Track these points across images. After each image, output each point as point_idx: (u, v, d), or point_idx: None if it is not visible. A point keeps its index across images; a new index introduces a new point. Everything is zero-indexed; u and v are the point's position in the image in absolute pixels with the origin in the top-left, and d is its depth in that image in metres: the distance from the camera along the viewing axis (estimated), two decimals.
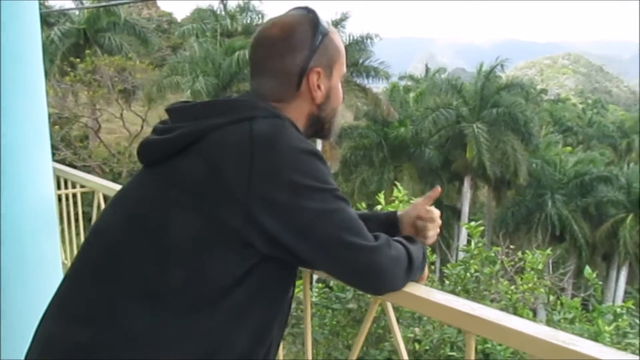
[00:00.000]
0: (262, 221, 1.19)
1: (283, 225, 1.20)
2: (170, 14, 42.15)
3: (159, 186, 1.30)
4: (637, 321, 5.55)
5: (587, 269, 5.44)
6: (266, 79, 1.40)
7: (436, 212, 1.55)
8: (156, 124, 1.40)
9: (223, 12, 31.14)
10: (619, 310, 4.96)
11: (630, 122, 52.60)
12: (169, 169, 1.29)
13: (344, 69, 1.47)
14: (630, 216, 26.43)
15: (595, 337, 4.37)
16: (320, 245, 1.23)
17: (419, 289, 1.33)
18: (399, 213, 1.60)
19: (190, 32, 29.08)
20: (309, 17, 1.41)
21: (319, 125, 1.46)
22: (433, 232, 1.53)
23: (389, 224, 1.55)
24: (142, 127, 24.24)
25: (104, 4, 24.00)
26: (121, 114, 23.80)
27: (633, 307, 5.43)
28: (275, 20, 1.44)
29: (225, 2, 31.57)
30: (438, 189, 1.62)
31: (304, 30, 1.39)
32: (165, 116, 1.41)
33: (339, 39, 1.45)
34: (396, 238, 1.36)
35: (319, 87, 1.41)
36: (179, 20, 41.34)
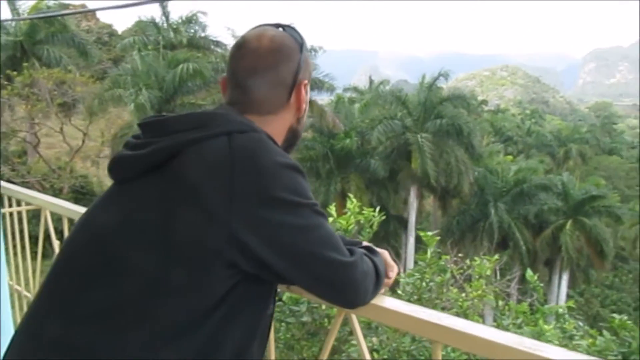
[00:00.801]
0: (245, 239, 1.15)
1: (265, 243, 1.17)
2: (110, 26, 41.40)
3: (134, 206, 1.24)
4: (581, 324, 5.71)
5: (529, 272, 5.58)
6: (254, 91, 1.38)
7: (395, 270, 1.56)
8: (128, 139, 1.35)
9: (165, 25, 30.78)
10: (560, 310, 5.10)
11: (566, 131, 54.68)
12: (144, 186, 1.24)
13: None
14: (569, 222, 27.38)
15: (538, 337, 4.46)
16: (301, 261, 1.21)
17: (384, 301, 1.35)
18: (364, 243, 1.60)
19: (132, 45, 28.62)
20: (290, 31, 1.43)
21: (294, 139, 1.47)
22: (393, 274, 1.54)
23: None
24: (83, 141, 23.66)
25: (41, 15, 23.33)
26: (61, 128, 23.16)
27: (574, 306, 5.59)
28: (258, 33, 1.42)
29: (167, 14, 31.21)
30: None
31: (291, 43, 1.41)
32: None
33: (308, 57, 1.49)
34: (362, 251, 1.36)
35: (303, 99, 1.44)
36: (119, 32, 40.61)
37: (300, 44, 1.42)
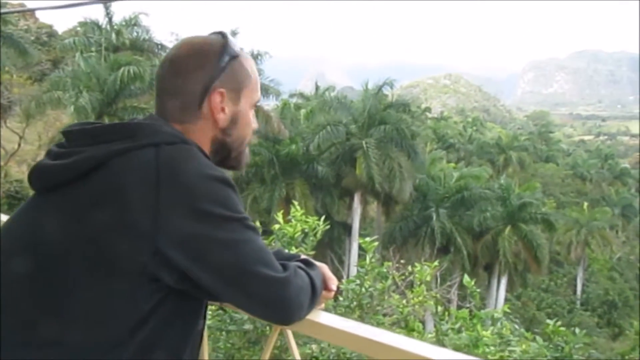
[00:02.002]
0: (171, 255, 1.13)
1: (192, 258, 1.15)
2: (50, 26, 40.04)
3: (56, 218, 1.21)
4: (517, 327, 5.87)
5: (466, 278, 5.70)
6: (170, 98, 1.34)
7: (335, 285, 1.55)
8: (51, 147, 1.30)
9: (108, 26, 30.10)
10: (496, 315, 5.24)
11: (506, 138, 56.20)
12: (67, 197, 1.20)
13: (256, 97, 1.43)
14: (508, 228, 28.15)
15: (476, 341, 4.57)
16: (230, 277, 1.18)
17: (319, 316, 1.33)
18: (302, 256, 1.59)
19: (73, 46, 27.85)
20: (219, 38, 1.38)
21: (225, 153, 1.39)
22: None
23: None
24: (19, 144, 22.88)
25: None
26: None
27: (509, 311, 5.74)
28: (185, 40, 1.41)
29: (111, 15, 30.54)
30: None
31: (212, 50, 1.36)
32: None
33: (253, 66, 1.42)
34: (297, 264, 1.33)
35: (222, 109, 1.35)
36: (60, 32, 39.42)
37: (223, 50, 1.35)
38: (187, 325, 1.27)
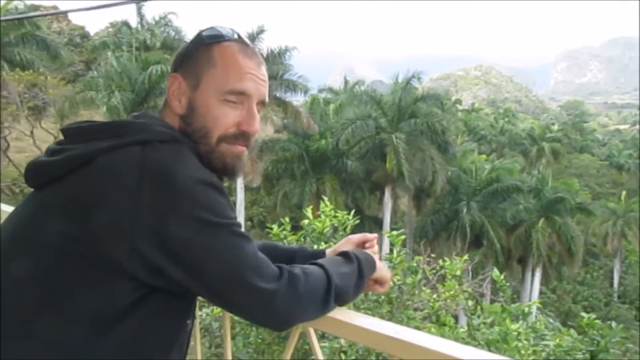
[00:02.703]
0: (149, 255, 1.11)
1: (172, 260, 1.13)
2: (82, 28, 40.80)
3: (41, 211, 1.22)
4: (552, 320, 5.77)
5: (496, 271, 5.58)
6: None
7: (371, 236, 1.53)
8: (50, 145, 1.32)
9: (139, 27, 30.47)
10: (527, 309, 5.14)
11: (539, 129, 55.32)
12: (54, 192, 1.21)
13: (224, 85, 1.31)
14: (542, 220, 27.73)
15: (505, 336, 4.50)
16: (213, 283, 1.16)
17: (342, 313, 1.30)
18: (327, 250, 1.56)
19: (104, 46, 28.29)
20: (200, 31, 1.37)
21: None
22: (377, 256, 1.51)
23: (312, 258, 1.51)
24: None
25: (9, 17, 22.92)
26: (31, 132, 22.81)
27: (544, 304, 5.64)
28: None
29: (142, 15, 30.92)
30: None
31: (190, 41, 1.38)
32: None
33: (230, 52, 1.33)
34: (320, 262, 1.30)
35: (177, 95, 1.33)
36: (92, 34, 40.07)
37: (195, 38, 1.36)
38: (172, 325, 1.26)
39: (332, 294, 1.26)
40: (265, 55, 24.86)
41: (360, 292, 1.37)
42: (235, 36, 1.36)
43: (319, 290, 1.24)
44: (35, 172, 1.28)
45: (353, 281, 1.32)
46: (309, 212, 5.09)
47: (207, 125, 1.30)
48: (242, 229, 1.21)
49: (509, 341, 4.22)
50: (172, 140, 1.22)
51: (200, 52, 1.33)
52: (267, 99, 1.40)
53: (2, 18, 24.12)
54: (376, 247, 1.53)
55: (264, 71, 1.38)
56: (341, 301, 1.30)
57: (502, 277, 5.27)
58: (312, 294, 1.23)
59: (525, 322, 4.72)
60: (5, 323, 1.14)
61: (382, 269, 1.46)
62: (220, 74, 1.31)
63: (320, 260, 1.31)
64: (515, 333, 4.30)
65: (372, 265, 1.41)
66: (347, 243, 1.53)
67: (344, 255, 1.37)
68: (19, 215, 1.28)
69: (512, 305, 4.87)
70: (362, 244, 1.53)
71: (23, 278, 1.16)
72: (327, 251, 1.57)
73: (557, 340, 4.50)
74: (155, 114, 1.36)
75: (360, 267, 1.35)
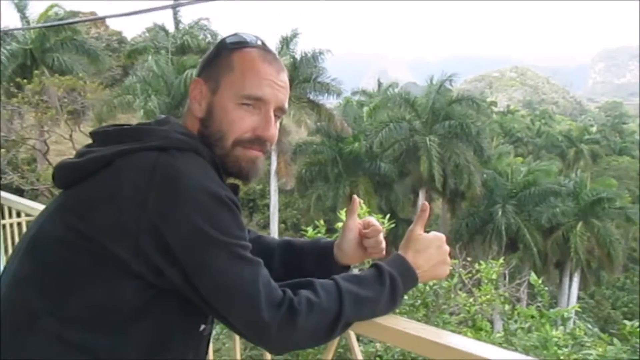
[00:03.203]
0: (151, 255, 1.14)
1: (170, 262, 1.14)
2: (120, 33, 41.54)
3: (60, 210, 1.27)
4: (590, 326, 5.64)
5: (533, 276, 5.50)
6: None
7: (372, 221, 1.49)
8: (80, 148, 1.35)
9: (175, 31, 30.91)
10: (566, 314, 5.03)
11: (576, 131, 54.28)
12: (75, 192, 1.26)
13: (241, 90, 1.32)
14: (580, 224, 27.16)
15: (545, 342, 4.41)
16: (207, 297, 1.16)
17: (382, 317, 1.28)
18: (336, 242, 1.52)
19: (142, 51, 28.78)
20: (224, 38, 1.42)
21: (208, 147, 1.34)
22: (384, 243, 1.47)
23: (325, 256, 1.51)
24: None
25: (49, 23, 23.48)
26: (70, 135, 23.26)
27: (582, 310, 5.51)
28: None
29: (178, 19, 31.36)
30: (355, 199, 1.53)
31: (216, 47, 1.41)
32: None
33: (250, 58, 1.35)
34: (342, 283, 1.24)
35: (198, 99, 1.36)
36: (129, 39, 40.77)
37: (219, 44, 1.40)
38: (187, 328, 1.27)
39: (339, 326, 1.22)
40: (298, 58, 24.95)
41: (388, 313, 1.31)
42: (259, 43, 1.39)
43: (321, 325, 1.20)
44: (62, 173, 1.32)
45: (376, 307, 1.27)
46: (342, 214, 5.08)
47: (223, 129, 1.32)
48: (246, 251, 1.18)
49: (549, 347, 4.14)
50: (190, 150, 1.24)
51: (222, 58, 1.36)
52: (286, 106, 1.41)
53: (43, 24, 24.72)
54: (380, 237, 1.47)
55: (283, 78, 1.39)
56: (350, 325, 1.27)
57: (539, 281, 5.18)
58: (314, 327, 1.19)
59: (565, 327, 4.63)
60: (17, 318, 1.18)
61: (434, 278, 1.42)
62: (238, 78, 1.33)
63: (342, 281, 1.25)
64: (555, 339, 4.22)
65: (412, 279, 1.34)
66: (350, 232, 1.48)
67: (376, 274, 1.29)
68: (44, 214, 1.32)
69: (551, 310, 4.78)
70: (363, 232, 1.49)
71: (37, 274, 1.20)
72: (336, 242, 1.52)
73: (600, 349, 4.39)
74: (177, 120, 1.38)
75: (393, 289, 1.29)
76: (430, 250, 1.36)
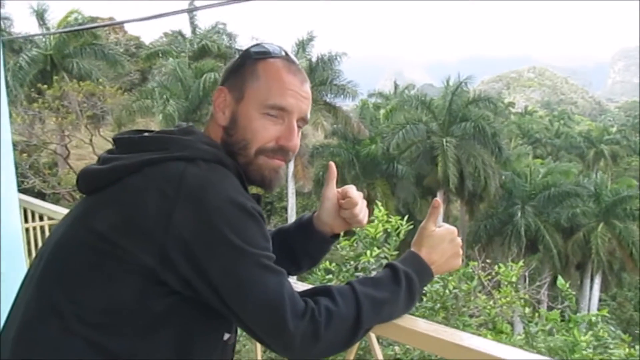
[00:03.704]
0: (178, 265, 1.14)
1: (198, 274, 1.15)
2: (138, 38, 41.86)
3: (85, 215, 1.28)
4: (613, 329, 5.58)
5: (560, 280, 5.45)
6: None
7: (350, 191, 1.50)
8: (102, 153, 1.36)
9: (191, 35, 31.11)
10: (594, 319, 4.98)
11: (596, 132, 53.69)
12: (100, 198, 1.26)
13: (265, 99, 1.34)
14: (601, 225, 26.86)
15: (573, 347, 4.37)
16: (234, 308, 1.17)
17: (403, 319, 1.28)
18: (315, 214, 1.57)
19: (158, 55, 29.01)
20: (248, 47, 1.42)
21: (232, 157, 1.35)
22: (363, 214, 1.49)
23: (304, 226, 1.56)
24: None
25: (68, 29, 23.75)
26: (90, 140, 23.54)
27: (607, 315, 5.45)
28: None
29: (195, 24, 31.56)
30: (331, 165, 1.57)
31: (237, 56, 1.43)
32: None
33: (275, 70, 1.37)
34: (358, 288, 1.24)
35: (222, 107, 1.38)
36: (147, 44, 41.09)
37: (243, 54, 1.41)
38: (211, 335, 1.28)
39: (360, 332, 1.23)
40: (314, 61, 24.99)
41: (407, 312, 1.32)
42: (283, 53, 1.40)
43: (342, 334, 1.21)
44: (86, 179, 1.33)
45: (394, 307, 1.28)
46: None
47: (247, 137, 1.34)
48: (271, 262, 1.19)
49: (577, 351, 4.11)
50: (215, 161, 1.25)
51: (247, 67, 1.37)
52: (308, 116, 1.42)
53: (62, 30, 25.01)
54: (355, 209, 1.49)
55: (307, 88, 1.40)
56: (367, 326, 1.26)
57: (567, 285, 5.14)
58: (334, 336, 1.20)
59: (592, 331, 4.59)
60: (47, 323, 1.19)
61: (448, 270, 1.43)
62: (263, 88, 1.34)
63: (358, 285, 1.25)
64: (584, 344, 4.19)
65: (428, 275, 1.35)
66: (328, 202, 1.53)
67: (392, 275, 1.30)
68: (69, 218, 1.33)
69: (579, 315, 4.74)
70: (340, 201, 1.52)
71: (64, 279, 1.21)
72: (315, 214, 1.57)
73: (627, 350, 4.35)
74: (200, 130, 1.39)
75: (409, 288, 1.29)
76: (443, 245, 1.38)
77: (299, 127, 1.39)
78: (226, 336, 1.32)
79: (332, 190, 1.53)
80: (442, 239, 1.38)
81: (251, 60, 1.38)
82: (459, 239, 1.41)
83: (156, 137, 1.32)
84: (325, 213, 1.53)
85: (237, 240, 1.15)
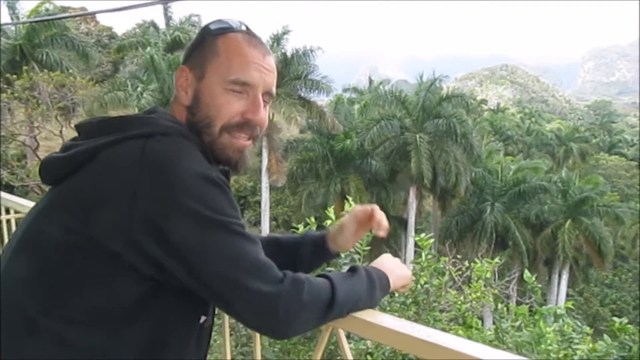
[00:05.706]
0: (145, 246, 1.11)
1: (169, 253, 1.12)
2: (110, 29, 41.27)
3: (49, 207, 1.24)
4: (579, 324, 5.68)
5: (527, 273, 5.51)
6: None
7: (383, 221, 1.55)
8: (66, 141, 1.32)
9: (165, 27, 30.80)
10: (559, 311, 5.06)
11: (566, 130, 54.53)
12: (62, 188, 1.23)
13: (227, 74, 1.30)
14: (569, 221, 27.33)
15: (538, 339, 4.43)
16: (210, 282, 1.13)
17: (371, 315, 1.29)
18: (330, 233, 1.60)
19: (130, 46, 28.65)
20: (208, 24, 1.39)
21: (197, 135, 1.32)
22: (385, 222, 1.55)
23: (319, 246, 1.58)
24: None
25: (39, 19, 23.31)
26: (60, 132, 23.13)
27: (572, 307, 5.55)
28: None
29: (169, 16, 31.25)
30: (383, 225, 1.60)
31: (200, 33, 1.39)
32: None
33: (235, 43, 1.33)
34: (327, 274, 1.27)
35: (184, 87, 1.35)
36: (119, 35, 40.53)
37: (202, 31, 1.38)
38: (186, 322, 1.25)
39: (335, 307, 1.23)
40: (289, 55, 24.89)
41: (370, 303, 1.34)
42: (243, 28, 1.37)
43: (321, 299, 1.21)
44: (48, 169, 1.29)
45: (359, 296, 1.30)
46: (331, 212, 5.06)
47: (210, 114, 1.30)
48: (243, 229, 1.17)
49: (542, 342, 4.18)
50: (175, 134, 1.22)
51: (207, 44, 1.34)
52: (274, 90, 1.39)
53: (32, 19, 24.53)
54: (384, 222, 1.55)
55: (270, 61, 1.37)
56: (343, 314, 1.28)
57: (533, 278, 5.21)
58: (315, 302, 1.19)
59: (558, 323, 4.66)
60: (13, 320, 1.16)
61: (401, 278, 1.47)
62: (224, 63, 1.31)
63: (327, 273, 1.29)
64: (550, 335, 4.26)
65: (383, 274, 1.40)
66: (353, 219, 1.58)
67: (351, 269, 1.34)
68: (33, 212, 1.29)
69: (544, 307, 4.80)
70: (367, 220, 1.57)
71: (31, 274, 1.17)
72: (330, 233, 1.61)
73: (591, 345, 4.43)
74: (166, 109, 1.37)
75: (369, 277, 1.34)
76: (384, 259, 1.49)
77: (265, 102, 1.36)
78: (202, 319, 1.30)
79: (364, 230, 1.61)
80: (382, 257, 1.49)
81: (211, 37, 1.34)
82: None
83: (115, 119, 1.29)
84: (343, 240, 1.60)
85: (206, 211, 1.12)
